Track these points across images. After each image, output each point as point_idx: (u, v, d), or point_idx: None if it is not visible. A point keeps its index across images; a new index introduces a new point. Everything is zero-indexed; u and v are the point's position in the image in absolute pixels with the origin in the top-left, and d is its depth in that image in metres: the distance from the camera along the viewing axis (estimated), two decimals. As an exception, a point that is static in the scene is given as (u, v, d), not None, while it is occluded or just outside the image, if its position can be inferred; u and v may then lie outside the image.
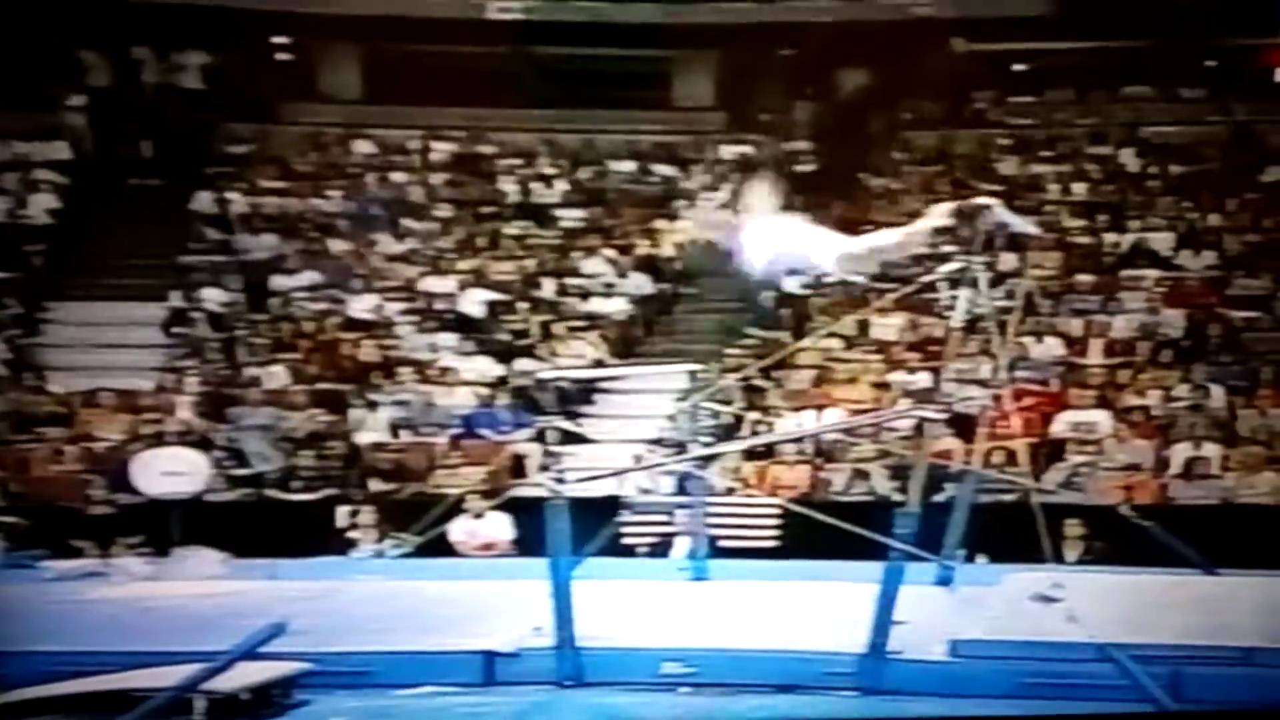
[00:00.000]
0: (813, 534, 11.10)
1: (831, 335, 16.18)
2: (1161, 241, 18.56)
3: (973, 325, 9.09)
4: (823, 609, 8.25)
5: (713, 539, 10.67)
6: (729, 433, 13.59)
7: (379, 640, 7.84)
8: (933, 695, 7.13)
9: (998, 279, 8.97)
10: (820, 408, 14.91)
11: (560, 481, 7.62)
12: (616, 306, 18.36)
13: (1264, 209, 19.38)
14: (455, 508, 11.79)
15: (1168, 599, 8.20)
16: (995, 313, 8.78)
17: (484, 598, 8.84)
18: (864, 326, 16.59)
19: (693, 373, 11.80)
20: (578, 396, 15.80)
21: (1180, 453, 13.41)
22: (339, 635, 7.92)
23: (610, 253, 19.36)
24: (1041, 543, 9.39)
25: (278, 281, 18.64)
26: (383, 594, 9.24)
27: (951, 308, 8.39)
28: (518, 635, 7.63)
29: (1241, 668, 7.11)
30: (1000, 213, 8.40)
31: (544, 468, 8.04)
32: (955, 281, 8.28)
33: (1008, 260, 13.53)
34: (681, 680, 7.39)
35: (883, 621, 7.33)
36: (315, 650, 7.43)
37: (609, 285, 18.72)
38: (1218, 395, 14.50)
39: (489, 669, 7.54)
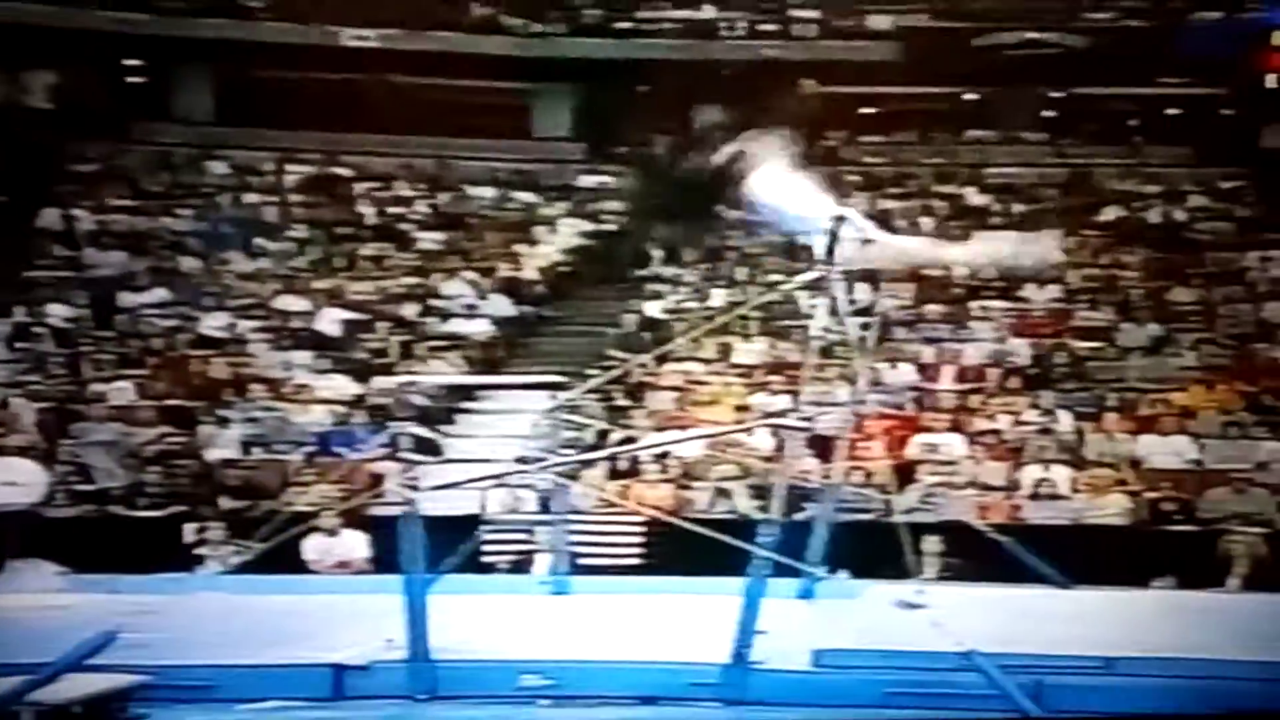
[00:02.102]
0: (675, 551, 10.83)
1: (693, 358, 16.02)
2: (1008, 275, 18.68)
3: (830, 350, 8.91)
4: (686, 622, 7.92)
5: (574, 556, 10.31)
6: (590, 450, 13.25)
7: (223, 654, 7.31)
8: (796, 705, 6.83)
9: (855, 305, 8.82)
10: (683, 428, 14.62)
11: (413, 489, 7.19)
12: (478, 327, 17.95)
13: (1103, 246, 19.68)
14: (301, 517, 11.23)
15: (1029, 610, 8.03)
16: (853, 334, 8.61)
17: (334, 611, 8.36)
18: (726, 350, 16.42)
19: (555, 385, 11.45)
20: (438, 414, 15.32)
21: (1030, 474, 13.35)
22: (181, 648, 7.38)
23: (471, 275, 18.99)
24: (901, 559, 9.28)
25: (126, 298, 17.95)
26: (228, 608, 8.69)
27: (809, 318, 8.14)
28: (369, 648, 7.17)
29: (1102, 677, 6.94)
30: (857, 220, 8.17)
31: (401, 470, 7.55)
32: (813, 290, 8.05)
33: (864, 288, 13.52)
34: (540, 693, 6.99)
35: (746, 632, 7.03)
36: (155, 663, 6.88)
37: (470, 306, 18.31)
38: (1065, 420, 14.51)
39: (338, 683, 7.07)
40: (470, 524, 10.78)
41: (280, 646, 7.39)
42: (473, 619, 7.80)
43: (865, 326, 9.19)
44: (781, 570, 7.50)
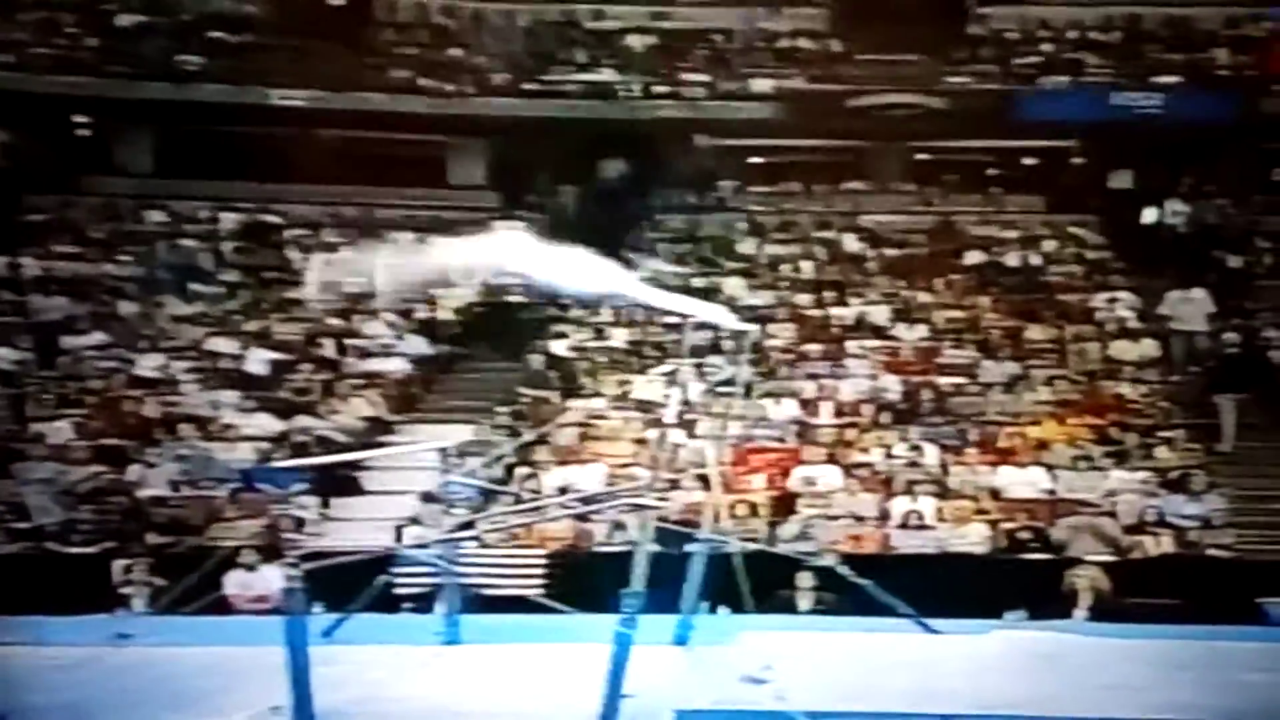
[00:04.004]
0: (576, 584, 10.36)
1: (596, 395, 15.60)
2: (880, 315, 18.44)
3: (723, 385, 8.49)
4: (572, 672, 7.42)
5: (477, 590, 9.79)
6: (498, 485, 12.75)
7: (121, 717, 6.72)
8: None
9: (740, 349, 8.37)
10: (585, 463, 14.16)
11: (296, 566, 6.64)
12: (395, 366, 17.39)
13: (966, 289, 19.52)
14: (221, 565, 10.63)
15: (882, 663, 7.54)
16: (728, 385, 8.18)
17: (242, 667, 7.75)
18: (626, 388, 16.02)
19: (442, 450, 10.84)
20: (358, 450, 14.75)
21: (899, 505, 13.03)
22: (87, 713, 6.78)
23: (390, 316, 18.42)
24: (779, 593, 8.88)
25: (68, 341, 17.20)
26: (142, 662, 8.01)
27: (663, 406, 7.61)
28: (256, 712, 6.60)
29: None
30: (705, 319, 7.44)
31: (292, 545, 7.02)
32: (669, 381, 7.60)
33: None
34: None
35: (613, 691, 6.52)
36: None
37: (387, 346, 17.76)
38: (931, 453, 14.21)
39: (226, 749, 6.50)
40: (381, 560, 10.20)
41: (177, 710, 6.80)
42: (360, 674, 7.25)
43: (729, 394, 8.69)
44: (659, 609, 7.05)
